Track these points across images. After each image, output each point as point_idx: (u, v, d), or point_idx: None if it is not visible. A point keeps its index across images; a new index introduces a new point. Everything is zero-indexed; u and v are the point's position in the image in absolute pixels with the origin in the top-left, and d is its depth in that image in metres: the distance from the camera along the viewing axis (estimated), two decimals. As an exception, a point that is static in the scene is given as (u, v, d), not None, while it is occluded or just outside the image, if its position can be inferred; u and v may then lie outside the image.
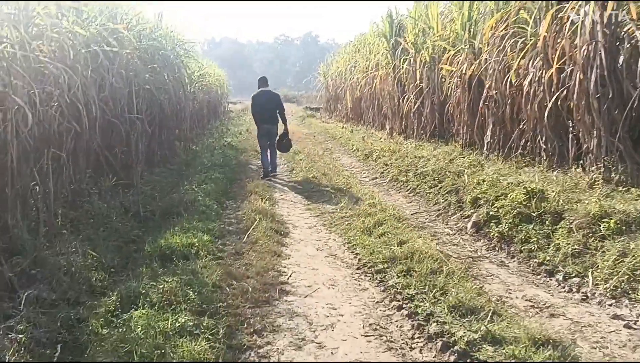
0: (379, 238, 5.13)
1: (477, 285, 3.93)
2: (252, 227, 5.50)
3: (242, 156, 11.47)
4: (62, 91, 6.42)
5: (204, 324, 3.14)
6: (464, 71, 9.91)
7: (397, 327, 3.36)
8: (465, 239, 5.55)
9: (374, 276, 4.21)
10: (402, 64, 12.91)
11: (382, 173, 8.98)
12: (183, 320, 3.11)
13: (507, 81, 8.45)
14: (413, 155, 8.81)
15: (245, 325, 3.29)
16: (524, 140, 8.14)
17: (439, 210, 6.54)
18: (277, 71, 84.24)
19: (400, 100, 13.27)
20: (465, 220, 5.98)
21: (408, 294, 3.71)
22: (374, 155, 10.13)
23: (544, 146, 7.41)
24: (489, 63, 8.96)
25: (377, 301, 3.74)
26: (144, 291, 3.55)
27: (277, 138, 9.56)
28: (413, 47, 12.29)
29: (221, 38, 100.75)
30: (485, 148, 8.94)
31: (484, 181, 6.32)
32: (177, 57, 12.14)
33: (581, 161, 6.34)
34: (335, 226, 5.87)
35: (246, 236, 5.22)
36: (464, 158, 8.82)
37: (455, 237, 5.63)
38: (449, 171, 7.25)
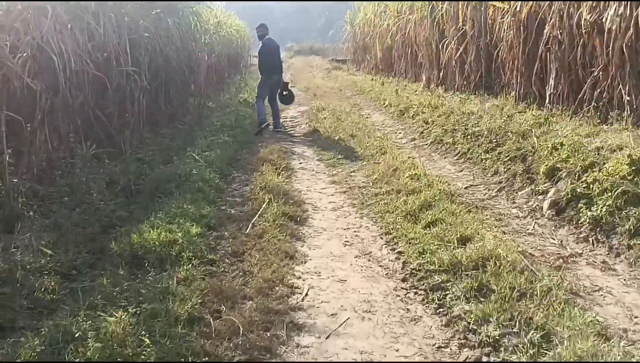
0: (430, 228, 3.76)
1: (589, 315, 2.56)
2: (260, 211, 4.19)
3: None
4: (33, 39, 5.20)
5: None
6: (518, 8, 8.20)
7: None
8: (543, 225, 4.14)
9: (429, 296, 2.87)
10: (441, 4, 11.12)
11: (422, 133, 7.50)
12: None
13: (577, 17, 6.80)
14: (460, 111, 7.27)
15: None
16: (598, 90, 6.56)
17: (500, 182, 5.09)
18: (301, 25, 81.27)
19: (439, 47, 11.56)
20: (539, 198, 4.55)
21: (487, 336, 2.37)
22: (410, 111, 8.61)
23: (628, 98, 5.85)
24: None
25: (439, 346, 2.42)
26: (78, 333, 2.31)
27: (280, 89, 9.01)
28: (455, -16, 10.50)
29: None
30: (547, 100, 7.35)
31: (561, 144, 4.83)
32: (184, 2, 10.67)
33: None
34: (368, 208, 4.52)
35: (250, 225, 3.91)
36: (520, 113, 7.28)
37: (528, 222, 4.22)
38: (509, 132, 5.74)
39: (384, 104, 10.51)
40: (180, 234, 3.53)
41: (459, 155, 6.18)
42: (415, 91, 11.88)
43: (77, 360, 2.17)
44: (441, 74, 11.68)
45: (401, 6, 15.28)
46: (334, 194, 5.04)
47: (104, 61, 6.97)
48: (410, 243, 3.59)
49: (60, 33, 5.71)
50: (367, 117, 9.51)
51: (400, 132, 8.01)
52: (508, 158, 5.31)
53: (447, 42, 10.87)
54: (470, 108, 7.29)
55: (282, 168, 5.88)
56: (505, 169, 5.20)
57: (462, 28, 10.34)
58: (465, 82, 10.49)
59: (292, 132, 8.55)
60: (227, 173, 5.74)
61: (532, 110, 7.38)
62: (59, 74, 5.34)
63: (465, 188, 5.11)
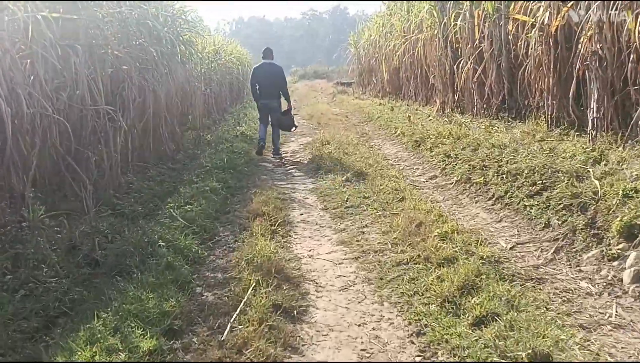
0: (480, 328, 2.65)
1: None
2: (243, 302, 3.09)
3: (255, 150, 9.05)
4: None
5: None
6: (546, 21, 7.18)
7: None
8: (628, 307, 3.01)
9: None
10: (454, 21, 10.15)
11: (444, 169, 6.40)
12: None
13: (624, 30, 5.81)
14: (488, 143, 6.18)
15: None
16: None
17: (555, 240, 3.97)
18: (306, 47, 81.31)
19: (453, 67, 10.55)
20: (614, 265, 3.42)
21: None
22: (427, 142, 7.52)
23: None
24: (590, 7, 6.30)
25: None
26: None
27: (282, 113, 8.78)
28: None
29: (249, 17, 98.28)
30: (590, 126, 6.26)
31: (636, 191, 3.72)
32: (172, 31, 9.79)
33: None
34: (389, 286, 3.40)
35: (226, 332, 2.81)
36: (558, 141, 6.21)
37: (607, 303, 3.09)
38: (559, 171, 4.63)
39: (395, 133, 9.45)
40: (123, 356, 2.45)
41: (493, 199, 5.06)
42: (429, 116, 10.84)
43: None
44: (457, 97, 10.65)
45: (409, 25, 14.37)
46: (343, 262, 3.94)
47: (78, 99, 6.06)
48: (455, 355, 2.48)
49: (11, 71, 4.79)
50: (377, 150, 8.44)
51: (417, 168, 6.91)
52: (561, 206, 4.19)
53: (462, 62, 9.86)
54: (501, 139, 6.20)
55: (279, 223, 4.80)
56: (560, 222, 4.08)
57: (479, 46, 9.33)
58: (485, 105, 9.43)
59: (293, 170, 7.50)
60: (210, 233, 4.67)
61: (572, 138, 6.30)
62: (5, 121, 4.39)
63: (511, 247, 3.99)
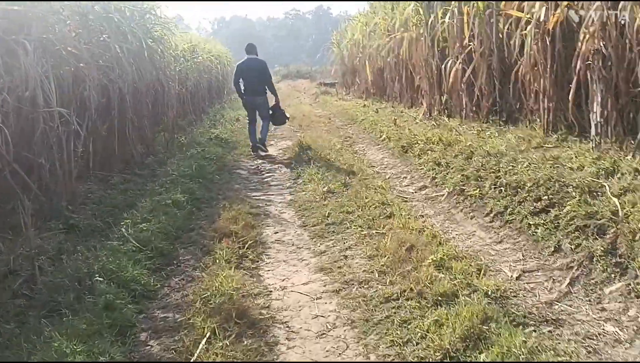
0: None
1: None
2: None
3: (230, 154, 8.38)
4: None
5: None
6: (542, 17, 6.67)
7: None
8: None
9: None
10: (442, 19, 9.60)
11: (434, 178, 5.82)
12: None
13: (634, 26, 5.32)
14: (483, 151, 5.62)
15: None
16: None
17: (569, 268, 3.39)
18: (289, 47, 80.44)
19: (441, 68, 10.01)
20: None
21: None
22: (415, 148, 6.94)
23: None
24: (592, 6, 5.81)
25: None
26: None
27: (270, 108, 8.69)
28: (457, -6, 8.98)
29: (231, 17, 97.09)
30: (594, 131, 5.74)
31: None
32: (140, 27, 9.10)
33: None
34: (377, 331, 2.79)
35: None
36: (557, 147, 5.70)
37: (642, 353, 2.53)
38: (568, 186, 4.07)
39: (381, 137, 8.86)
40: None
41: (491, 215, 4.49)
42: (415, 119, 10.29)
43: None
44: (444, 99, 10.10)
45: (393, 24, 13.81)
46: (322, 296, 3.31)
47: (28, 101, 5.41)
48: None
49: None
50: (362, 155, 7.84)
51: (405, 177, 6.32)
52: (573, 226, 3.62)
53: (450, 62, 9.31)
54: (496, 146, 5.64)
55: (249, 244, 4.17)
56: (572, 246, 3.51)
57: (469, 45, 8.79)
58: (475, 108, 8.90)
59: (270, 178, 6.86)
60: (167, 257, 4.02)
61: (572, 144, 5.78)
62: None
63: (517, 277, 3.41)
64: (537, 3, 6.78)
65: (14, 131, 5.42)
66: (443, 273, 3.25)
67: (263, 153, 8.38)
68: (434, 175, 5.87)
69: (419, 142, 6.97)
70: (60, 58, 6.25)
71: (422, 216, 4.82)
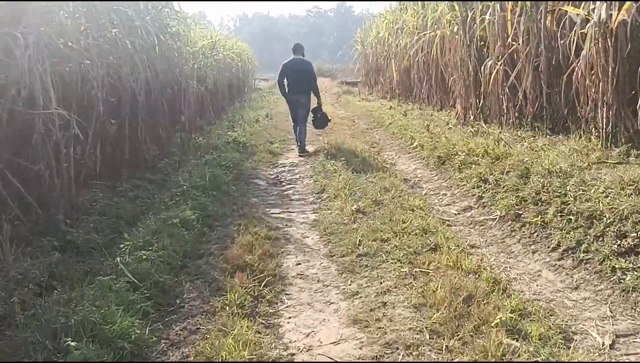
0: None
1: None
2: None
3: (247, 161, 7.68)
4: None
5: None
6: (603, 16, 5.84)
7: None
8: None
9: None
10: (481, 15, 8.78)
11: (481, 198, 5.04)
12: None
13: None
14: (541, 167, 4.81)
15: None
16: None
17: (679, 334, 2.62)
18: (310, 45, 79.69)
19: (478, 68, 9.19)
20: None
21: None
22: (454, 160, 6.16)
23: None
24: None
25: None
26: None
27: (311, 111, 8.71)
28: (500, -12, 8.15)
29: (253, 14, 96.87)
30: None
31: None
32: (155, 22, 8.52)
33: None
34: None
35: None
36: (629, 164, 4.88)
37: None
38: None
39: (411, 144, 8.09)
40: None
41: (559, 250, 3.71)
42: (448, 124, 9.50)
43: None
44: (480, 103, 9.28)
45: (424, 22, 13.01)
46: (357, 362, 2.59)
47: (24, 101, 4.85)
48: None
49: None
50: (392, 165, 7.08)
51: (445, 194, 5.55)
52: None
53: (490, 63, 8.49)
54: (557, 163, 4.82)
55: (266, 281, 3.46)
56: (681, 304, 2.73)
57: (512, 44, 7.97)
58: (517, 114, 8.08)
59: (290, 191, 6.14)
60: (168, 295, 3.33)
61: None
62: None
63: (611, 344, 2.63)
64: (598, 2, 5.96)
65: (7, 135, 4.85)
66: (518, 341, 2.50)
67: (303, 156, 8.32)
68: (480, 194, 5.09)
69: (459, 153, 6.18)
70: (63, 55, 5.67)
71: (472, 247, 4.06)
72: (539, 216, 4.10)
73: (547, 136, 6.93)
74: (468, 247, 4.03)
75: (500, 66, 8.15)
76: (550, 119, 7.35)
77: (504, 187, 4.82)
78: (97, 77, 6.23)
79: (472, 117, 9.31)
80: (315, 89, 8.59)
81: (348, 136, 9.57)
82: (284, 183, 6.51)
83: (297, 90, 8.42)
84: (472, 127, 8.49)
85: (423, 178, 6.31)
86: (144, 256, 3.75)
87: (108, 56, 7.15)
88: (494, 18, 8.30)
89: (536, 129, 7.46)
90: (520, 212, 4.35)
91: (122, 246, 4.11)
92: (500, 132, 7.63)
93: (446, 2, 9.91)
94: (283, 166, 7.46)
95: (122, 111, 7.29)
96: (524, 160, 5.08)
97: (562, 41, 7.05)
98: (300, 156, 8.22)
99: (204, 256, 4.06)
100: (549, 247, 3.82)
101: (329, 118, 8.96)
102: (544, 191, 4.30)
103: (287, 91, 8.48)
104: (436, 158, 6.58)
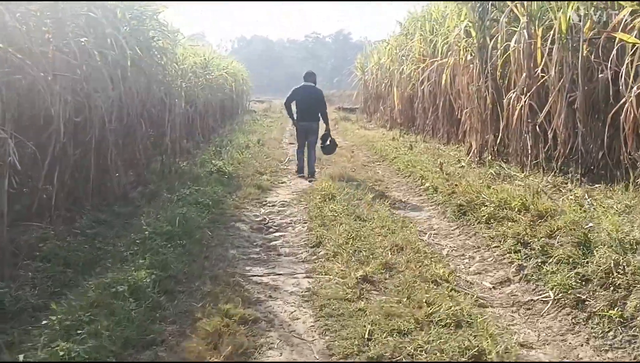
0: None
1: None
2: None
3: (232, 197, 6.52)
4: None
5: None
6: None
7: None
8: None
9: None
10: (505, 41, 7.79)
11: (521, 267, 3.92)
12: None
13: None
14: (609, 237, 3.70)
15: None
16: None
17: None
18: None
19: (496, 101, 8.18)
20: None
21: None
22: (480, 212, 5.05)
23: None
24: None
25: None
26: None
27: (320, 138, 8.79)
28: (527, 15, 7.17)
29: (252, 36, 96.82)
30: None
31: None
32: (135, 34, 7.53)
33: None
34: None
35: None
36: None
37: None
38: None
39: (422, 184, 7.01)
40: None
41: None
42: (459, 161, 8.46)
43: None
44: (498, 139, 8.25)
45: (432, 48, 12.09)
46: None
47: None
48: None
49: None
50: (400, 210, 5.97)
51: (471, 257, 4.43)
52: None
53: (513, 95, 7.47)
54: (627, 231, 3.72)
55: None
56: None
57: (541, 76, 6.97)
58: (544, 155, 7.04)
59: (279, 241, 4.99)
60: None
61: None
62: None
63: None
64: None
65: None
66: None
67: (308, 179, 8.30)
68: (520, 262, 3.98)
69: (487, 203, 5.08)
70: (13, 64, 4.64)
71: (523, 346, 2.93)
72: (616, 309, 2.99)
73: (582, 184, 5.89)
74: (518, 347, 2.90)
75: (526, 100, 7.14)
76: (583, 163, 6.31)
77: (555, 258, 3.71)
78: (55, 92, 5.18)
79: (489, 156, 8.27)
80: (325, 116, 8.71)
81: (349, 169, 8.48)
82: (271, 229, 5.36)
83: (308, 117, 8.58)
84: (489, 168, 7.44)
85: (440, 231, 5.19)
86: (62, 352, 2.60)
87: (74, 68, 6.13)
88: (520, 46, 7.31)
89: (568, 174, 6.42)
90: (584, 297, 3.24)
91: (45, 322, 2.99)
92: (525, 176, 6.57)
93: (463, 26, 8.94)
94: (272, 206, 6.33)
95: (89, 133, 6.26)
96: (583, 224, 3.97)
97: (602, 74, 6.08)
98: (309, 180, 8.15)
99: (152, 345, 2.89)
100: (631, 355, 2.71)
101: (337, 144, 8.99)
102: (619, 273, 3.19)
103: (296, 117, 8.66)
104: (455, 207, 5.47)
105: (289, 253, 4.61)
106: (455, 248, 4.65)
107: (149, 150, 9.03)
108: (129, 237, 4.61)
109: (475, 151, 8.47)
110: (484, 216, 4.89)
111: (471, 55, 9.04)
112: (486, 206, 5.03)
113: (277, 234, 5.17)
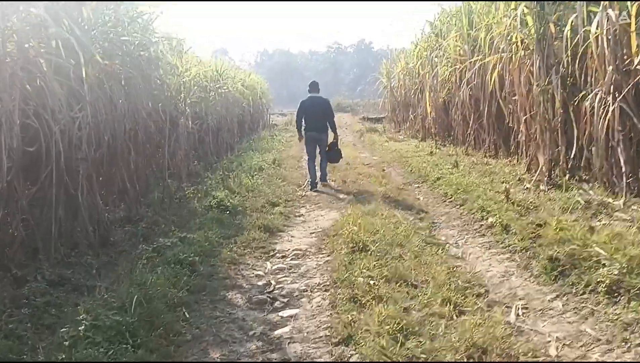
0: None
1: None
2: None
3: (230, 246, 4.87)
4: None
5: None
6: None
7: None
8: None
9: None
10: (585, 26, 6.01)
11: None
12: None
13: None
14: None
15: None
16: None
17: None
18: (330, 80, 78.27)
19: (569, 106, 6.40)
20: None
21: None
22: (594, 272, 3.30)
23: None
24: None
25: None
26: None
27: (327, 147, 8.67)
28: None
29: (273, 50, 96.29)
30: None
31: None
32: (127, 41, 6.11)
33: None
34: None
35: None
36: None
37: None
38: None
39: (483, 219, 5.26)
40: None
41: None
42: (519, 179, 6.70)
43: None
44: (572, 154, 6.44)
45: (471, 45, 10.36)
46: None
47: None
48: None
49: None
50: (461, 262, 4.25)
51: (591, 350, 2.69)
52: None
53: (597, 97, 5.69)
54: None
55: None
56: None
57: (638, 70, 5.18)
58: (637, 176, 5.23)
59: (286, 331, 3.29)
60: None
61: None
62: None
63: None
64: None
65: None
66: None
67: (323, 187, 8.40)
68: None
69: (603, 260, 3.32)
70: None
71: None
72: None
73: None
74: None
75: (617, 102, 5.36)
76: None
77: None
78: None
79: (560, 174, 6.46)
80: (332, 125, 8.66)
81: (380, 196, 6.79)
82: (277, 303, 3.67)
83: (316, 127, 8.54)
84: (567, 191, 5.66)
85: (531, 302, 3.42)
86: None
87: (24, 82, 4.81)
88: (602, 32, 5.54)
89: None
90: None
91: None
92: (626, 205, 4.78)
93: (519, 13, 7.18)
94: (282, 258, 4.65)
95: (47, 164, 4.90)
96: None
97: None
98: (322, 185, 8.33)
99: None
100: None
101: (342, 155, 8.98)
102: None
103: (304, 128, 8.63)
104: (547, 261, 3.71)
105: (301, 354, 2.93)
106: (567, 342, 2.89)
107: (148, 176, 7.62)
108: (57, 334, 3.02)
109: (544, 169, 6.65)
110: (605, 281, 3.13)
111: (528, 48, 7.28)
112: (602, 263, 3.27)
113: (285, 313, 3.49)
